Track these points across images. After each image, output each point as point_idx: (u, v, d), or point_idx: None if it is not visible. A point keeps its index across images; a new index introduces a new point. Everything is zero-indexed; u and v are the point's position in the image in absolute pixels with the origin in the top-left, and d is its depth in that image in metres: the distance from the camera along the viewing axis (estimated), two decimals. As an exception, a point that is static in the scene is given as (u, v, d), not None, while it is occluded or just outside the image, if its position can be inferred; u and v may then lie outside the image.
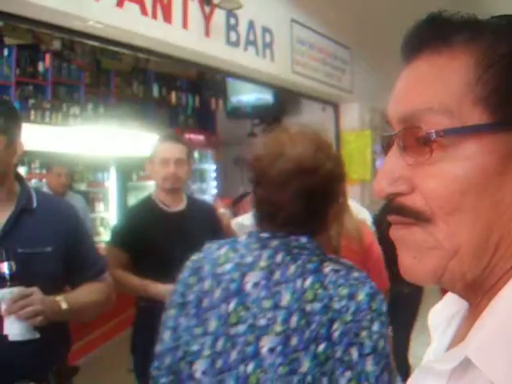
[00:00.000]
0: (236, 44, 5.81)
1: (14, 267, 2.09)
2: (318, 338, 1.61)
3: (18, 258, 2.12)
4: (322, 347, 1.60)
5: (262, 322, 1.67)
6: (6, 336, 2.08)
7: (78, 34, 4.61)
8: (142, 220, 3.54)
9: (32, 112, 7.86)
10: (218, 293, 1.74)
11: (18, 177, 2.42)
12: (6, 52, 7.81)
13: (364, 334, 1.59)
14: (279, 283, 1.69)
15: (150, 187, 8.65)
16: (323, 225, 1.76)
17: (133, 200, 7.93)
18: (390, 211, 0.80)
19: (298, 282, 1.67)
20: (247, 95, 9.34)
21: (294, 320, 1.64)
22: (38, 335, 2.12)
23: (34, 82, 8.18)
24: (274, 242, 1.73)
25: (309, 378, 1.59)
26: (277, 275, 1.70)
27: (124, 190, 8.45)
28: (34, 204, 2.35)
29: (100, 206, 8.34)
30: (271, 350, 1.64)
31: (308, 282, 1.66)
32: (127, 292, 3.50)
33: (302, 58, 6.96)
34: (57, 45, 8.12)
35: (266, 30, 6.28)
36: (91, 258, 2.56)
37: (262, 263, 1.72)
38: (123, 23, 4.52)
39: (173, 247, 3.36)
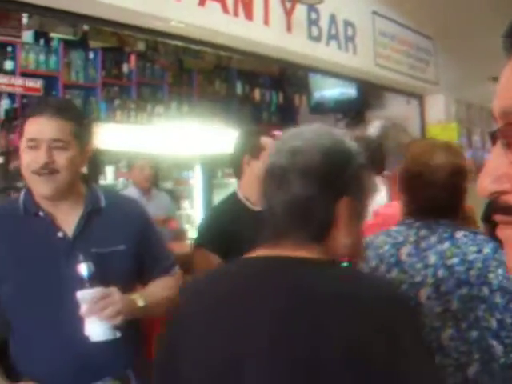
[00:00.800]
0: (318, 38, 5.76)
1: (91, 268, 2.10)
2: (459, 283, 2.17)
3: (93, 258, 2.15)
4: (464, 290, 2.16)
5: (418, 279, 2.26)
6: (87, 337, 2.11)
7: (160, 35, 4.66)
8: (230, 219, 3.36)
9: (118, 112, 8.02)
10: (382, 267, 2.37)
11: (85, 178, 2.45)
12: (91, 55, 7.99)
13: (492, 275, 2.13)
14: (425, 250, 2.29)
15: (234, 184, 8.70)
16: (458, 211, 2.38)
17: (218, 197, 7.98)
18: (495, 210, 0.75)
19: (439, 247, 2.26)
20: (330, 90, 9.26)
21: (440, 273, 2.22)
22: (118, 334, 2.14)
23: (119, 83, 8.36)
24: (417, 224, 2.36)
25: (459, 315, 2.16)
26: (423, 245, 2.31)
27: (209, 188, 8.52)
28: (103, 204, 2.38)
29: (185, 204, 8.43)
30: (428, 298, 2.22)
31: (446, 245, 2.25)
32: None
33: (385, 50, 6.86)
34: (141, 46, 8.24)
35: (347, 23, 6.21)
36: (161, 253, 2.59)
37: (411, 239, 2.34)
38: (205, 22, 4.54)
39: None
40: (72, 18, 4.67)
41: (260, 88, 10.11)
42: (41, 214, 2.26)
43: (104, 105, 7.95)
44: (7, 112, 7.16)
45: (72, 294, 2.10)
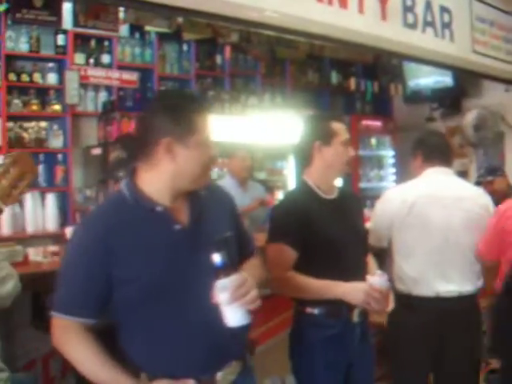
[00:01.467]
0: (413, 26, 5.64)
1: (224, 256, 2.12)
2: None
3: (214, 246, 2.16)
4: None
5: None
6: (219, 324, 2.14)
7: (255, 25, 4.66)
8: (305, 210, 3.18)
9: (212, 103, 8.09)
10: None
11: None
12: (185, 47, 8.11)
13: None
14: None
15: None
16: None
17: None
18: None
19: None
20: (425, 78, 9.11)
21: None
22: (251, 318, 2.18)
23: (212, 74, 8.44)
24: None
25: None
26: None
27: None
28: (202, 192, 2.38)
29: (279, 194, 8.42)
30: None
31: None
32: (303, 296, 3.16)
33: (483, 36, 6.67)
34: (234, 37, 8.28)
35: (443, 9, 6.06)
36: (248, 236, 2.62)
37: None
38: (299, 11, 4.52)
39: (344, 240, 3.18)
40: (167, 11, 4.72)
41: (354, 77, 9.99)
42: (158, 209, 2.23)
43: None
44: (104, 104, 7.34)
45: (201, 284, 2.15)
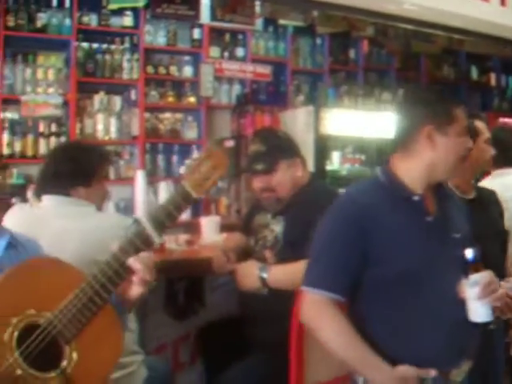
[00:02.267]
0: (558, 19, 5.41)
1: (476, 252, 2.20)
2: None
3: (458, 241, 2.27)
4: None
5: None
6: (465, 318, 2.20)
7: (392, 18, 4.60)
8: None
9: (345, 98, 8.03)
10: None
11: None
12: (318, 41, 8.08)
13: None
14: None
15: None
16: None
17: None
18: None
19: None
20: None
21: None
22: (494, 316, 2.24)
23: (345, 68, 8.37)
24: None
25: None
26: None
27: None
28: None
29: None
30: None
31: None
32: None
33: None
34: (370, 30, 8.17)
35: None
36: None
37: None
38: (438, 3, 4.42)
39: (481, 242, 3.09)
40: (304, 5, 4.74)
41: (493, 72, 9.64)
42: (415, 198, 2.30)
43: (332, 90, 8.00)
44: (238, 97, 7.43)
45: (446, 277, 2.22)
